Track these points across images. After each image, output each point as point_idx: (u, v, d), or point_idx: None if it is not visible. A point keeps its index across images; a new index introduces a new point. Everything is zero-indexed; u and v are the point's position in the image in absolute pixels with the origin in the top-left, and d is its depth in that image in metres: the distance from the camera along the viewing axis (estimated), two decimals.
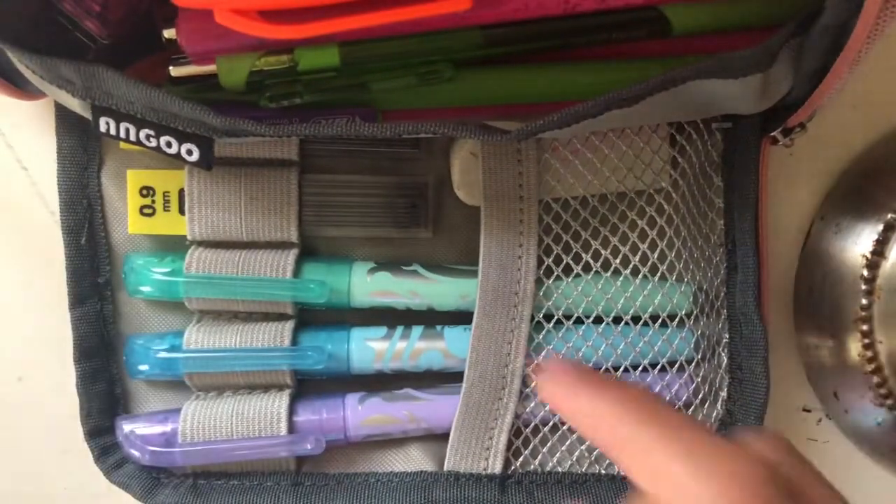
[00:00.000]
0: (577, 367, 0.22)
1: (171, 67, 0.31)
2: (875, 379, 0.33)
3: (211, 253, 0.33)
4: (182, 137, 0.29)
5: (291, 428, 0.32)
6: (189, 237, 0.33)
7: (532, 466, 0.33)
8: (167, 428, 0.33)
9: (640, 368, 0.33)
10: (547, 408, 0.33)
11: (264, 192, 0.33)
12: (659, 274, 0.33)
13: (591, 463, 0.33)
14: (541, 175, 0.32)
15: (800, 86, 0.28)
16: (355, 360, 0.33)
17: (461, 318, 0.33)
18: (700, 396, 0.34)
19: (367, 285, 0.33)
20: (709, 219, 0.34)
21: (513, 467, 0.33)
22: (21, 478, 0.37)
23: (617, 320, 0.33)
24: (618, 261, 0.33)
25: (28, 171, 0.36)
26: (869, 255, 0.33)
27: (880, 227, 0.33)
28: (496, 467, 0.33)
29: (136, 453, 0.33)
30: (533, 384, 0.33)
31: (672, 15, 0.30)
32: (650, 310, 0.33)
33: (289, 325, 0.33)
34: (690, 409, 0.34)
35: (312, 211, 0.33)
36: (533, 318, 0.33)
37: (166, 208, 0.33)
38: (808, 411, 0.37)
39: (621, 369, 0.33)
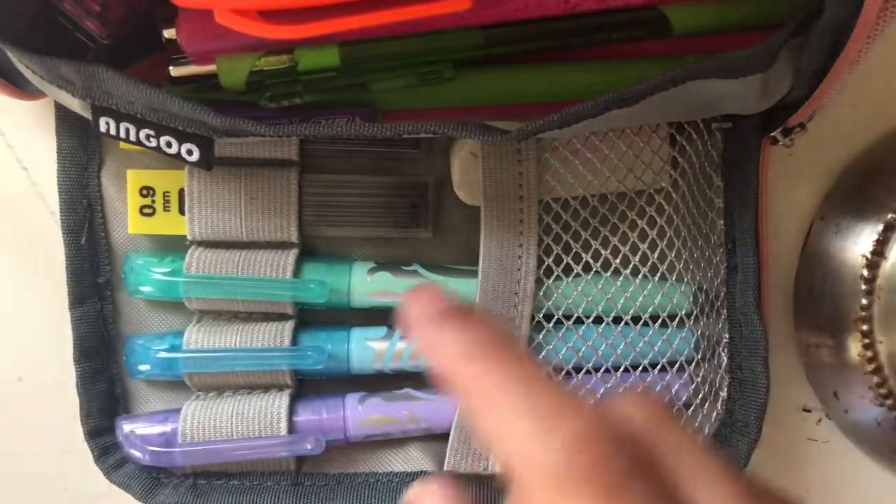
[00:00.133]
0: (444, 301, 0.20)
1: (171, 67, 0.31)
2: (875, 379, 0.33)
3: (211, 253, 0.33)
4: (182, 137, 0.29)
5: (291, 428, 0.32)
6: (189, 237, 0.33)
7: None
8: (167, 428, 0.33)
9: (640, 368, 0.33)
10: None
11: (264, 192, 0.33)
12: (659, 274, 0.33)
13: None
14: (541, 175, 0.32)
15: (800, 86, 0.28)
16: (355, 360, 0.33)
17: None
18: (700, 396, 0.34)
19: (367, 285, 0.33)
20: (709, 219, 0.34)
21: None
22: (21, 478, 0.37)
23: (617, 320, 0.33)
24: (618, 261, 0.33)
25: (28, 171, 0.36)
26: (869, 255, 0.33)
27: (880, 227, 0.33)
28: (496, 467, 0.33)
29: (136, 453, 0.33)
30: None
31: (672, 15, 0.30)
32: (650, 310, 0.33)
33: (289, 325, 0.33)
34: (690, 409, 0.34)
35: (312, 211, 0.33)
36: (533, 317, 0.33)
37: (166, 208, 0.33)
38: (808, 411, 0.37)
39: (621, 369, 0.33)
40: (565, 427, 0.16)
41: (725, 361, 0.34)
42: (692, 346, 0.34)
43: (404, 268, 0.33)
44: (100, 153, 0.34)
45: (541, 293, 0.33)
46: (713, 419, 0.33)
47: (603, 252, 0.33)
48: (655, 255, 0.33)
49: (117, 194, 0.34)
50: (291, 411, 0.33)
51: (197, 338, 0.33)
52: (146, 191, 0.33)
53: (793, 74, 0.27)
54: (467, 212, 0.34)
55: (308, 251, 0.34)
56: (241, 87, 0.30)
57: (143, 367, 0.34)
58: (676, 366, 0.34)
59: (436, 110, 0.32)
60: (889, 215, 0.33)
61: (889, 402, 0.33)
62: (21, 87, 0.31)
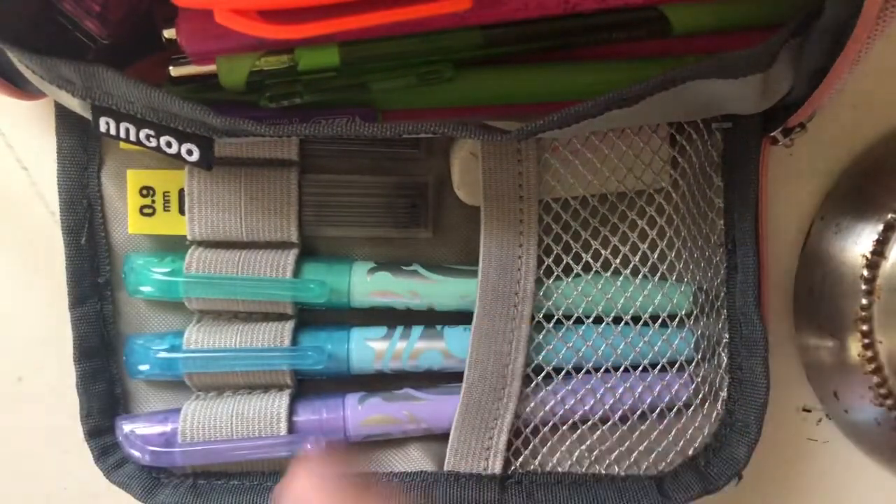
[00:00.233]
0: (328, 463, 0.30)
1: (171, 67, 0.31)
2: (875, 379, 0.33)
3: (211, 253, 0.33)
4: (182, 137, 0.29)
5: (291, 428, 0.32)
6: (189, 237, 0.33)
7: (532, 466, 0.33)
8: (167, 428, 0.33)
9: (640, 368, 0.33)
10: (547, 408, 0.33)
11: (264, 192, 0.33)
12: (659, 274, 0.33)
13: (591, 463, 0.33)
14: (541, 175, 0.32)
15: (800, 86, 0.28)
16: (355, 360, 0.33)
17: (461, 318, 0.33)
18: (700, 396, 0.34)
19: (367, 285, 0.33)
20: (709, 219, 0.34)
21: (513, 467, 0.33)
22: (21, 478, 0.37)
23: (617, 320, 0.33)
24: (618, 261, 0.33)
25: (28, 171, 0.36)
26: (869, 255, 0.33)
27: (880, 227, 0.33)
28: (496, 467, 0.33)
29: (136, 453, 0.33)
30: (533, 384, 0.33)
31: (672, 15, 0.30)
32: (650, 310, 0.33)
33: (289, 325, 0.33)
34: (690, 410, 0.34)
35: (312, 211, 0.33)
36: (533, 317, 0.33)
37: (166, 208, 0.33)
38: (808, 411, 0.37)
39: (621, 369, 0.33)
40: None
41: (725, 361, 0.34)
42: (692, 346, 0.34)
43: (404, 268, 0.33)
44: (100, 153, 0.34)
45: (541, 293, 0.33)
46: (713, 419, 0.33)
47: (603, 252, 0.33)
48: (655, 255, 0.33)
49: (117, 194, 0.34)
50: (291, 411, 0.33)
51: (197, 338, 0.33)
52: (146, 191, 0.33)
53: (793, 74, 0.27)
54: (467, 212, 0.34)
55: (308, 251, 0.34)
56: (241, 87, 0.30)
57: (143, 367, 0.34)
58: (676, 366, 0.34)
59: (436, 110, 0.32)
60: (889, 215, 0.33)
61: (889, 402, 0.33)
62: (21, 87, 0.31)
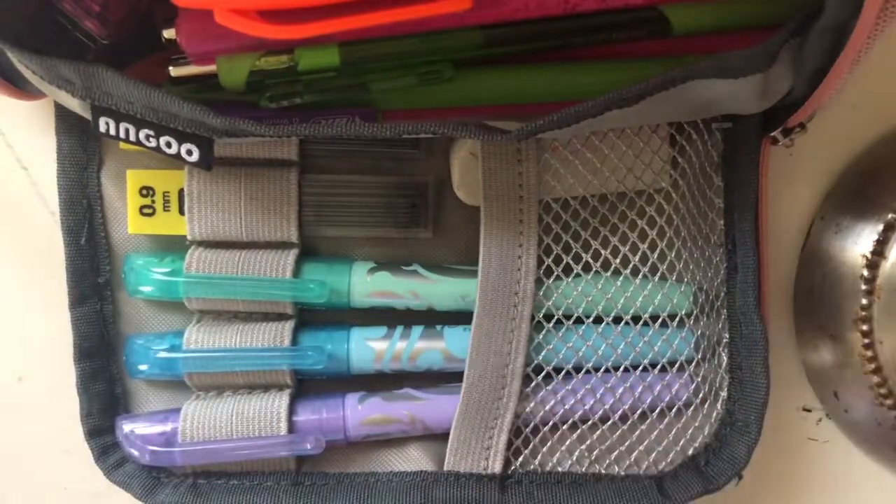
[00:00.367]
0: None
1: (171, 67, 0.31)
2: (875, 379, 0.33)
3: (211, 253, 0.33)
4: (182, 137, 0.29)
5: (291, 428, 0.32)
6: (189, 237, 0.33)
7: (532, 466, 0.33)
8: (167, 428, 0.33)
9: (640, 368, 0.33)
10: (547, 407, 0.33)
11: (264, 192, 0.33)
12: (659, 274, 0.33)
13: (591, 463, 0.33)
14: (541, 175, 0.32)
15: (800, 86, 0.28)
16: (355, 360, 0.33)
17: (461, 318, 0.33)
18: (700, 396, 0.34)
19: (367, 285, 0.33)
20: (709, 219, 0.34)
21: (513, 467, 0.33)
22: (21, 478, 0.37)
23: (617, 320, 0.33)
24: (618, 261, 0.33)
25: (28, 171, 0.36)
26: (869, 255, 0.33)
27: (880, 227, 0.33)
28: (496, 467, 0.33)
29: (136, 453, 0.33)
30: (533, 384, 0.33)
31: (672, 15, 0.30)
32: (650, 310, 0.33)
33: (289, 325, 0.33)
34: (690, 409, 0.34)
35: (312, 211, 0.33)
36: (533, 317, 0.33)
37: (166, 208, 0.33)
38: (809, 411, 0.37)
39: (621, 369, 0.33)
40: None
41: (725, 361, 0.34)
42: (692, 345, 0.34)
43: (404, 268, 0.33)
44: (100, 153, 0.34)
45: (541, 293, 0.33)
46: (713, 419, 0.33)
47: (603, 252, 0.33)
48: (655, 255, 0.33)
49: (117, 194, 0.34)
50: (291, 411, 0.33)
51: (197, 338, 0.33)
52: (146, 191, 0.33)
53: (793, 74, 0.27)
54: (467, 212, 0.34)
55: (308, 251, 0.34)
56: (241, 87, 0.30)
57: (143, 367, 0.34)
58: (676, 366, 0.34)
59: (436, 110, 0.32)
60: (889, 215, 0.33)
61: (889, 402, 0.33)
62: (21, 87, 0.31)
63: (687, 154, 0.33)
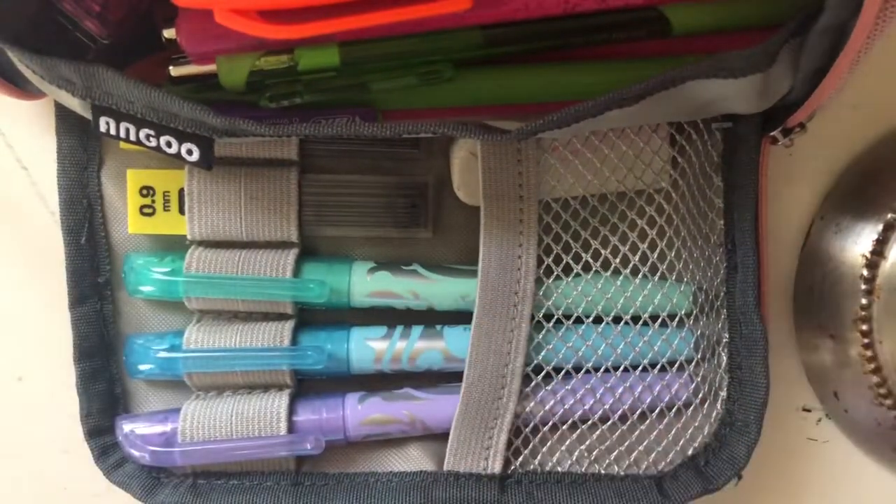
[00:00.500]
0: None
1: (171, 67, 0.31)
2: (875, 379, 0.33)
3: (211, 253, 0.33)
4: (182, 137, 0.29)
5: (291, 428, 0.32)
6: (189, 237, 0.33)
7: (532, 466, 0.33)
8: (167, 428, 0.33)
9: (639, 368, 0.33)
10: (547, 407, 0.33)
11: (264, 192, 0.33)
12: (659, 274, 0.33)
13: (590, 463, 0.33)
14: (541, 175, 0.32)
15: (800, 86, 0.28)
16: (355, 359, 0.33)
17: (461, 317, 0.33)
18: (700, 396, 0.34)
19: (367, 285, 0.33)
20: (709, 219, 0.34)
21: (512, 467, 0.33)
22: (21, 478, 0.37)
23: (617, 320, 0.33)
24: (617, 260, 0.33)
25: (28, 171, 0.36)
26: (869, 255, 0.33)
27: (880, 227, 0.33)
28: (496, 467, 0.33)
29: (136, 453, 0.33)
30: (533, 384, 0.33)
31: (672, 15, 0.30)
32: (650, 309, 0.33)
33: (289, 325, 0.33)
34: (690, 409, 0.34)
35: (312, 211, 0.33)
36: (533, 317, 0.33)
37: (166, 208, 0.33)
38: (809, 411, 0.37)
39: (621, 369, 0.33)
40: None
41: (725, 361, 0.34)
42: (692, 345, 0.34)
43: (404, 267, 0.33)
44: (100, 153, 0.34)
45: (540, 293, 0.33)
46: (713, 419, 0.33)
47: (603, 252, 0.33)
48: (655, 254, 0.33)
49: (117, 194, 0.34)
50: (291, 411, 0.33)
51: (197, 337, 0.33)
52: (146, 190, 0.33)
53: (793, 74, 0.27)
54: (467, 212, 0.34)
55: (308, 251, 0.34)
56: (241, 87, 0.30)
57: (143, 367, 0.34)
58: (676, 365, 0.34)
59: (436, 110, 0.32)
60: (889, 215, 0.33)
61: (889, 402, 0.33)
62: (21, 87, 0.31)
63: (687, 154, 0.33)
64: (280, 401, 0.32)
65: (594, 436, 0.33)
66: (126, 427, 0.33)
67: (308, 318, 0.34)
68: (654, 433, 0.33)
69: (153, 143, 0.29)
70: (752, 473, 0.35)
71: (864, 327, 0.33)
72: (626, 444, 0.33)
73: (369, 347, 0.33)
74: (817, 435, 0.37)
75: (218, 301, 0.33)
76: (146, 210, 0.33)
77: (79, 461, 0.35)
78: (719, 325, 0.34)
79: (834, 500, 0.37)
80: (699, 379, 0.34)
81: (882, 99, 0.36)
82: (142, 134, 0.29)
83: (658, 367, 0.34)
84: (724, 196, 0.34)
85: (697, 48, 0.31)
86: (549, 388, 0.33)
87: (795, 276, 0.37)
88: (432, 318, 0.34)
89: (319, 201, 0.34)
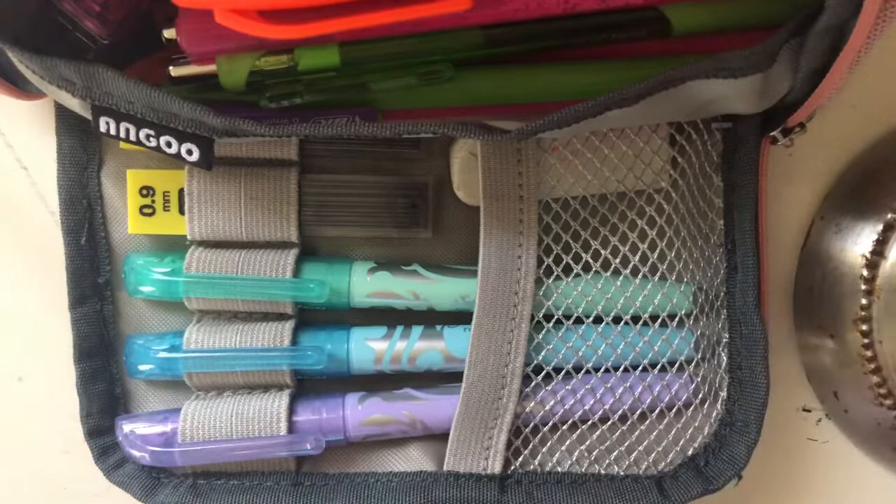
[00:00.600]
0: None
1: (171, 67, 0.31)
2: (875, 379, 0.33)
3: (211, 253, 0.33)
4: (182, 137, 0.29)
5: (291, 428, 0.32)
6: (189, 237, 0.33)
7: (532, 466, 0.33)
8: (167, 428, 0.33)
9: (639, 368, 0.33)
10: (547, 407, 0.33)
11: (264, 192, 0.33)
12: (659, 274, 0.33)
13: (590, 463, 0.33)
14: (541, 175, 0.32)
15: (800, 86, 0.28)
16: (355, 359, 0.33)
17: (461, 318, 0.33)
18: (700, 396, 0.34)
19: (367, 285, 0.33)
20: (709, 219, 0.34)
21: (512, 467, 0.33)
22: (21, 478, 0.37)
23: (617, 320, 0.33)
24: (617, 260, 0.33)
25: (28, 171, 0.36)
26: (869, 255, 0.33)
27: (880, 227, 0.33)
28: (496, 467, 0.33)
29: (136, 453, 0.33)
30: (533, 384, 0.33)
31: (672, 15, 0.30)
32: (650, 309, 0.33)
33: (289, 325, 0.33)
34: (690, 409, 0.34)
35: (312, 211, 0.33)
36: (533, 317, 0.33)
37: (166, 208, 0.33)
38: (808, 411, 0.37)
39: (621, 369, 0.33)
40: None
41: (725, 361, 0.34)
42: (692, 345, 0.34)
43: (404, 268, 0.33)
44: (100, 153, 0.34)
45: (540, 293, 0.33)
46: (713, 419, 0.33)
47: (603, 252, 0.33)
48: (655, 254, 0.33)
49: (117, 194, 0.34)
50: (291, 411, 0.33)
51: (197, 338, 0.33)
52: (146, 191, 0.33)
53: (793, 74, 0.27)
54: (467, 212, 0.34)
55: (308, 251, 0.34)
56: (241, 87, 0.30)
57: (143, 367, 0.34)
58: (676, 366, 0.34)
59: (436, 110, 0.32)
60: (889, 215, 0.33)
61: (889, 402, 0.33)
62: (21, 87, 0.31)
63: (687, 154, 0.33)
64: (280, 401, 0.32)
65: (594, 436, 0.33)
66: (126, 427, 0.33)
67: (308, 318, 0.34)
68: (654, 433, 0.33)
69: (153, 143, 0.29)
70: (752, 473, 0.35)
71: (864, 327, 0.33)
72: (626, 444, 0.33)
73: (369, 348, 0.33)
74: (817, 435, 0.37)
75: (218, 301, 0.33)
76: (146, 210, 0.33)
77: (79, 461, 0.35)
78: (719, 326, 0.34)
79: (834, 500, 0.37)
80: (699, 379, 0.34)
81: (882, 99, 0.36)
82: (142, 134, 0.29)
83: (658, 367, 0.34)
84: (724, 196, 0.34)
85: (697, 48, 0.31)
86: (549, 388, 0.33)
87: (795, 276, 0.37)
88: (432, 319, 0.34)
89: (319, 201, 0.34)
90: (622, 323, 0.33)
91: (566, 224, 0.33)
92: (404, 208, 0.34)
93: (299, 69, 0.30)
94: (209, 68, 0.30)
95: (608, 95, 0.27)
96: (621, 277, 0.33)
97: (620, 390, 0.33)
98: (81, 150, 0.34)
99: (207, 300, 0.33)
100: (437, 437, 0.34)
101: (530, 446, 0.33)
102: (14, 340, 0.36)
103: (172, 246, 0.34)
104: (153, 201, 0.33)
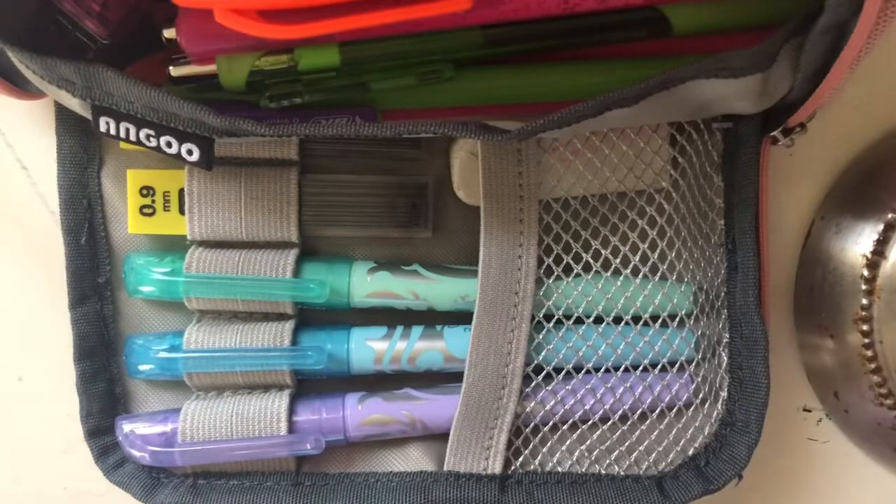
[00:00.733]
0: None
1: (171, 67, 0.31)
2: (875, 379, 0.33)
3: (211, 253, 0.33)
4: (182, 137, 0.29)
5: (291, 428, 0.32)
6: (189, 237, 0.33)
7: (532, 466, 0.33)
8: (167, 428, 0.33)
9: (640, 368, 0.33)
10: (547, 407, 0.33)
11: (264, 192, 0.33)
12: (659, 274, 0.33)
13: (591, 463, 0.33)
14: (541, 175, 0.32)
15: (800, 86, 0.28)
16: (355, 359, 0.33)
17: (461, 318, 0.33)
18: (700, 396, 0.34)
19: (367, 285, 0.33)
20: (709, 219, 0.34)
21: (513, 467, 0.33)
22: (21, 478, 0.37)
23: (617, 320, 0.33)
24: (618, 260, 0.33)
25: (28, 171, 0.36)
26: (869, 255, 0.33)
27: (880, 227, 0.33)
28: (496, 467, 0.33)
29: (136, 453, 0.33)
30: (533, 384, 0.33)
31: (672, 15, 0.30)
32: (650, 310, 0.33)
33: (289, 325, 0.33)
34: (690, 409, 0.34)
35: (312, 211, 0.33)
36: (533, 317, 0.33)
37: (166, 208, 0.33)
38: (809, 411, 0.37)
39: (621, 369, 0.33)
40: None
41: (726, 361, 0.34)
42: (692, 345, 0.34)
43: (404, 268, 0.33)
44: (100, 153, 0.34)
45: (541, 293, 0.33)
46: (713, 419, 0.33)
47: (603, 252, 0.33)
48: (655, 254, 0.33)
49: (117, 194, 0.34)
50: (291, 411, 0.33)
51: (197, 338, 0.33)
52: (146, 191, 0.33)
53: (793, 74, 0.27)
54: (467, 212, 0.34)
55: (308, 251, 0.34)
56: (241, 87, 0.30)
57: (143, 367, 0.34)
58: (676, 366, 0.34)
59: (436, 110, 0.32)
60: (889, 215, 0.33)
61: (889, 402, 0.33)
62: (21, 87, 0.31)
63: (687, 154, 0.33)
64: (280, 401, 0.32)
65: (595, 436, 0.33)
66: (126, 427, 0.33)
67: (308, 318, 0.34)
68: (655, 433, 0.33)
69: (153, 143, 0.29)
70: (753, 473, 0.35)
71: (865, 327, 0.33)
72: (627, 444, 0.33)
73: (369, 348, 0.33)
74: (818, 435, 0.37)
75: (218, 301, 0.33)
76: (146, 210, 0.33)
77: (79, 461, 0.35)
78: (720, 326, 0.34)
79: (834, 500, 0.37)
80: (700, 379, 0.34)
81: (882, 99, 0.36)
82: (142, 134, 0.29)
83: (658, 367, 0.34)
84: (725, 196, 0.34)
85: (697, 48, 0.31)
86: (549, 388, 0.33)
87: (795, 276, 0.37)
88: (432, 319, 0.34)
89: (319, 201, 0.34)
90: (623, 323, 0.33)
91: (567, 224, 0.33)
92: (404, 208, 0.34)
93: (299, 69, 0.30)
94: (209, 68, 0.30)
95: (608, 95, 0.27)
96: (622, 277, 0.33)
97: (621, 390, 0.33)
98: (81, 150, 0.34)
99: (207, 300, 0.33)
100: (437, 437, 0.34)
101: (531, 446, 0.33)
102: (14, 340, 0.36)
103: (172, 246, 0.34)
104: (153, 201, 0.33)
